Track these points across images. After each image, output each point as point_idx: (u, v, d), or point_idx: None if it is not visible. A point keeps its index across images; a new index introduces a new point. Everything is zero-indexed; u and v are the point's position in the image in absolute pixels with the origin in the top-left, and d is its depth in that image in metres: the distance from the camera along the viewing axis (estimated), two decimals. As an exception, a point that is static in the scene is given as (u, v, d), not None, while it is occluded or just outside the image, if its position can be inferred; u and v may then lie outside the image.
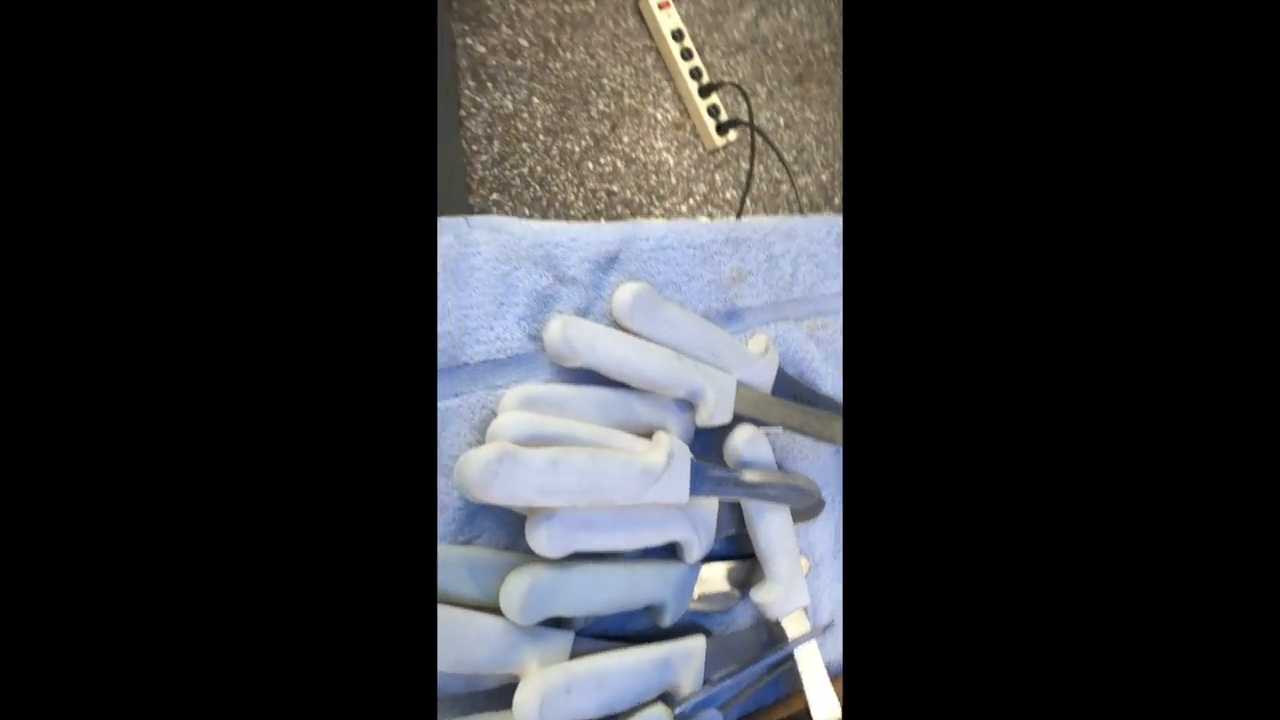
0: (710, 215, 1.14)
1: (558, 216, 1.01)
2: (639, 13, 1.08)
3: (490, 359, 0.36)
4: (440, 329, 0.34)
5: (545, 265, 0.37)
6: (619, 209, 1.06)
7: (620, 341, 0.36)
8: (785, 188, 1.22)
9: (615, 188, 1.05)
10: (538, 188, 0.99)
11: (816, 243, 0.47)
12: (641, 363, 0.36)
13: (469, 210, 0.93)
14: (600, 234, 0.39)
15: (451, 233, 0.35)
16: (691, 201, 1.12)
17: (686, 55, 1.08)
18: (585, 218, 1.03)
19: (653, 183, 1.09)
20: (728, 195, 1.16)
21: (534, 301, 0.37)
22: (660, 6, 1.06)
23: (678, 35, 1.08)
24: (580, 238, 0.38)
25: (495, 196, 0.96)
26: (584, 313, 0.38)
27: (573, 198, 1.02)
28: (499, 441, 0.31)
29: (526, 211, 0.98)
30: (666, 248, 0.41)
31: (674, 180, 1.11)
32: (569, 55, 1.02)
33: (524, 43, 0.99)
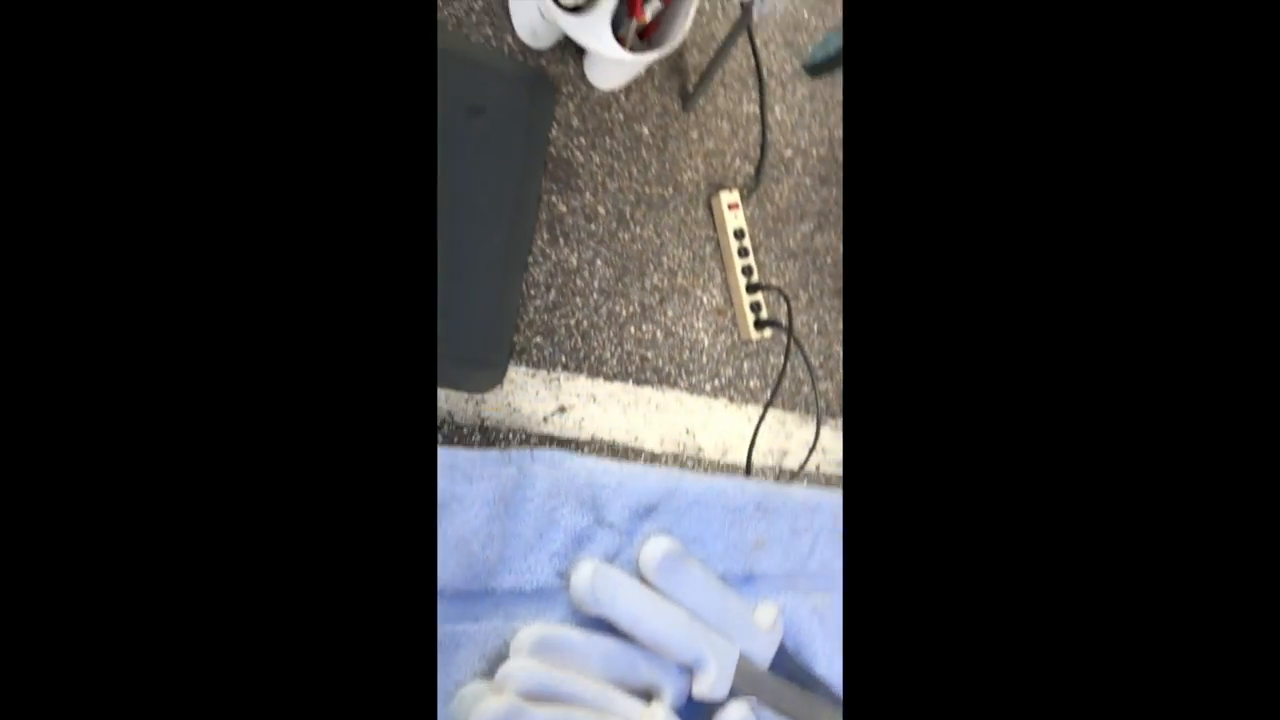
0: (731, 399, 1.18)
1: (591, 372, 1.05)
2: (709, 207, 1.17)
3: (516, 589, 0.37)
4: (482, 554, 0.36)
5: (590, 506, 0.39)
6: (649, 374, 1.10)
7: (640, 598, 0.38)
8: (806, 389, 1.27)
9: (650, 354, 1.10)
10: (579, 340, 1.04)
11: (838, 520, 0.49)
12: (655, 623, 0.38)
13: (510, 336, 0.97)
14: (646, 481, 0.42)
15: (516, 465, 0.37)
16: (716, 382, 1.17)
17: (743, 253, 1.16)
18: (615, 377, 1.07)
19: (685, 357, 1.14)
20: (751, 384, 1.20)
21: (570, 540, 0.39)
22: (730, 206, 1.16)
23: (739, 234, 1.16)
24: (626, 483, 0.41)
25: (538, 340, 1.01)
26: (613, 556, 0.40)
27: (609, 355, 1.07)
28: (508, 696, 0.31)
29: (563, 359, 1.02)
30: (702, 505, 0.43)
31: (705, 360, 1.16)
32: (638, 230, 1.10)
33: (602, 210, 1.07)
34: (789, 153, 1.29)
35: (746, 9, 1.06)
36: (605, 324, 1.06)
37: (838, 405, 1.32)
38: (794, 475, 1.23)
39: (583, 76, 1.08)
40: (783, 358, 1.23)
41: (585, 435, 1.03)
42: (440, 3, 0.97)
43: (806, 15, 1.33)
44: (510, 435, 0.98)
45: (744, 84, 1.24)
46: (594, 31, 0.90)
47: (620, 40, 0.97)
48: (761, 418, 0.98)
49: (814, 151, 1.31)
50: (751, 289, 1.17)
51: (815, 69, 0.70)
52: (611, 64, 0.98)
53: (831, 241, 1.32)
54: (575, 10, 0.92)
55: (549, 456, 0.38)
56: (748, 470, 0.97)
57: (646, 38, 1.04)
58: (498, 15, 1.01)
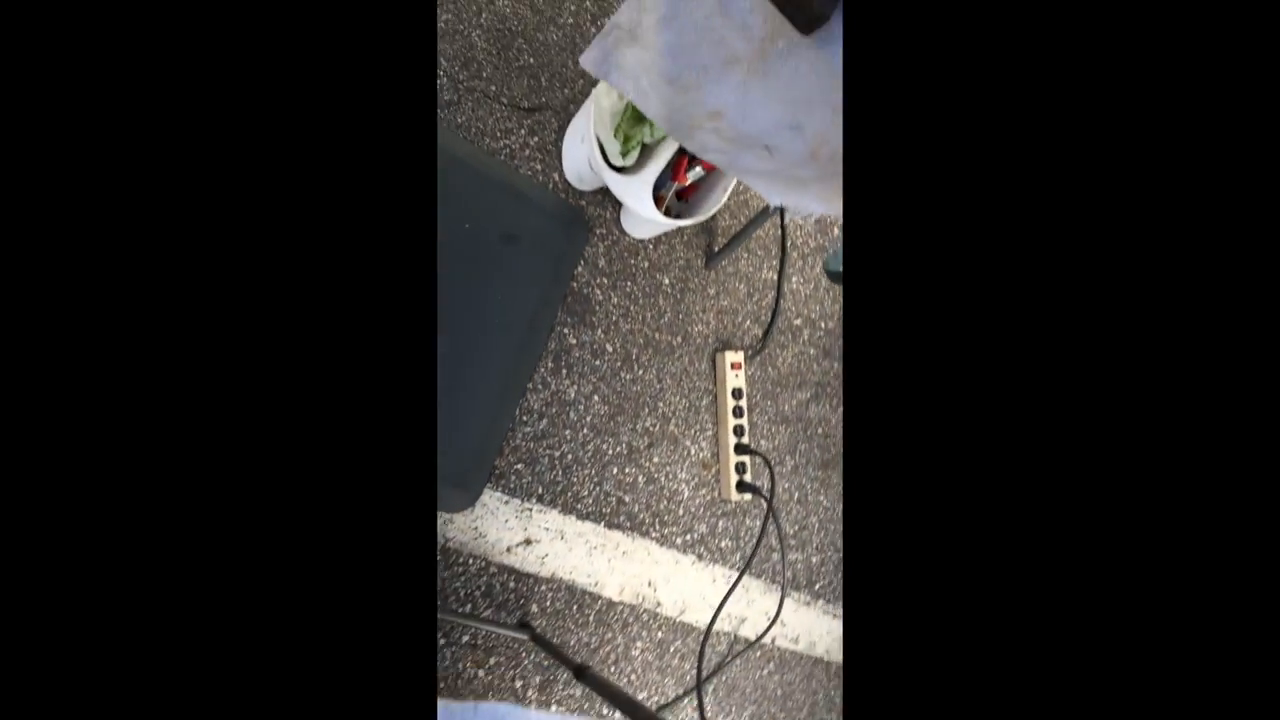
0: (700, 557, 1.16)
1: (565, 508, 1.03)
2: (713, 361, 1.20)
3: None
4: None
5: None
6: (622, 518, 1.08)
7: None
8: (776, 556, 1.25)
9: (628, 499, 1.09)
10: (560, 473, 1.03)
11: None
12: None
13: (493, 460, 0.96)
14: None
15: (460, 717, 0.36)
16: (689, 537, 1.15)
17: (737, 413, 1.18)
18: (588, 516, 1.05)
19: (662, 507, 1.13)
20: (723, 544, 1.19)
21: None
22: (733, 365, 1.18)
23: (737, 394, 1.18)
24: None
25: (520, 467, 1.00)
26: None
27: (586, 494, 1.05)
28: None
29: (540, 490, 1.01)
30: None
31: (681, 512, 1.14)
32: (641, 372, 1.12)
33: (610, 348, 1.09)
34: (798, 322, 1.33)
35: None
36: (590, 461, 1.06)
37: (805, 578, 1.30)
38: (750, 645, 1.20)
39: (618, 222, 1.13)
40: (759, 522, 1.22)
41: (546, 572, 1.01)
42: (498, 135, 1.03)
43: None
44: (470, 561, 0.95)
45: (767, 251, 1.30)
46: (636, 193, 0.95)
47: (660, 199, 1.03)
48: (732, 589, 0.97)
49: (822, 324, 1.35)
50: (740, 449, 1.17)
51: (835, 276, 0.75)
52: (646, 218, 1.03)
53: (825, 413, 1.34)
54: (622, 170, 0.97)
55: (493, 711, 0.36)
56: (707, 635, 0.94)
57: (685, 198, 1.10)
58: (549, 155, 1.07)
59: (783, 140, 0.61)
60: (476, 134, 1.02)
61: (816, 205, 0.70)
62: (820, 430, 1.33)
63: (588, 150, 0.96)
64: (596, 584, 1.05)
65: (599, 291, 1.10)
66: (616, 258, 1.12)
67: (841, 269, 1.31)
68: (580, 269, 1.08)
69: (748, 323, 1.26)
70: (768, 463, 1.10)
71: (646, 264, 1.15)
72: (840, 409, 1.36)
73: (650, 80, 0.62)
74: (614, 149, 0.94)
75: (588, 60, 0.56)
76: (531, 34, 1.07)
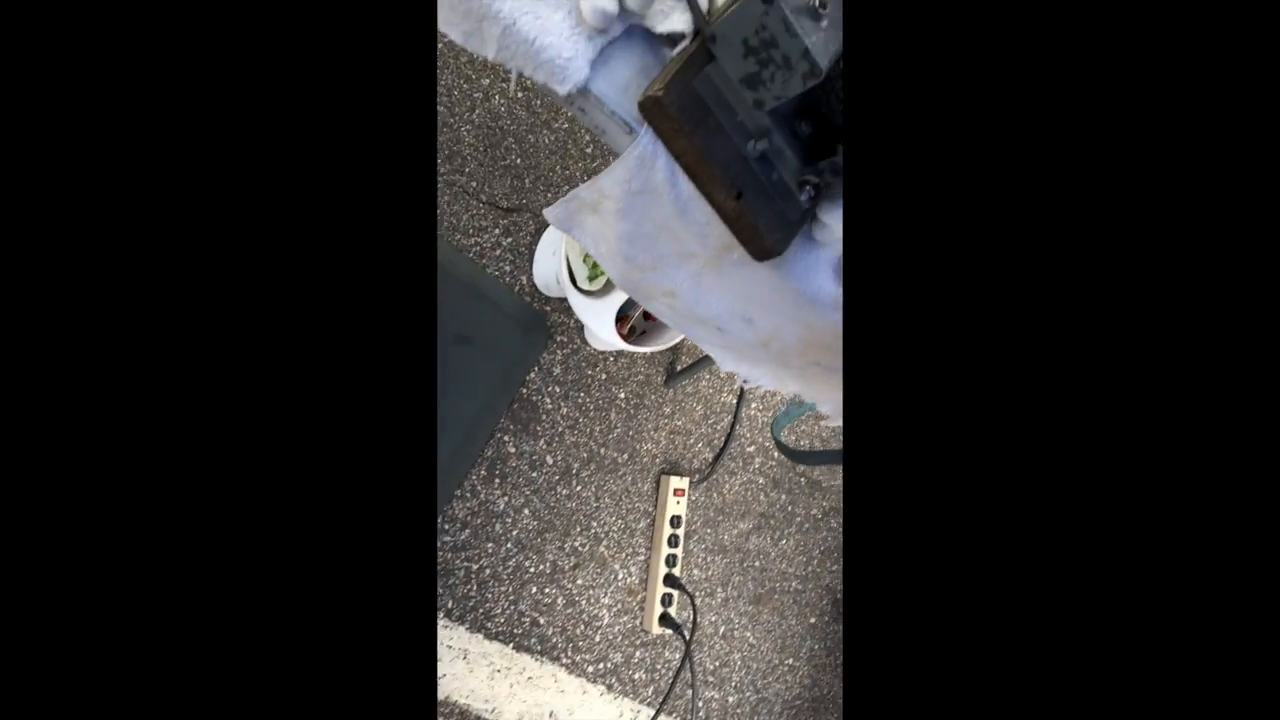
0: (610, 688, 1.11)
1: (474, 625, 0.98)
2: (657, 483, 1.17)
3: None
4: None
5: None
6: (533, 641, 1.03)
7: None
8: (689, 692, 1.20)
9: (543, 620, 1.04)
10: (475, 587, 0.98)
11: None
12: None
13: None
14: None
15: None
16: (602, 666, 1.10)
17: (673, 542, 1.14)
18: (496, 637, 1.00)
19: (578, 632, 1.07)
20: (636, 676, 1.13)
21: None
22: (676, 492, 1.15)
23: (675, 521, 1.15)
24: None
25: (432, 578, 0.95)
26: None
27: (499, 612, 1.00)
28: None
29: (450, 605, 0.96)
30: None
31: (598, 639, 1.09)
32: (579, 488, 1.08)
33: (550, 461, 1.06)
34: (751, 449, 1.30)
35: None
36: (509, 577, 1.01)
37: (718, 718, 1.25)
38: (648, 786, 1.13)
39: (580, 330, 1.10)
40: (679, 654, 1.17)
41: (440, 694, 0.95)
42: (470, 232, 1.01)
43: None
44: (358, 677, 0.89)
45: (730, 376, 1.28)
46: (598, 318, 0.93)
47: (625, 319, 1.01)
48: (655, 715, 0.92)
49: (775, 453, 1.33)
50: (669, 580, 1.13)
51: (783, 448, 0.72)
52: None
53: (765, 545, 1.31)
54: (588, 293, 0.95)
55: None
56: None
57: (652, 319, 1.08)
58: (521, 257, 1.05)
59: (734, 327, 0.60)
60: (448, 229, 0.99)
61: (767, 381, 0.68)
62: (758, 563, 1.29)
63: (557, 266, 0.94)
64: (493, 710, 0.99)
65: (549, 400, 1.07)
66: (573, 367, 1.09)
67: (786, 442, 1.29)
68: (533, 375, 1.05)
69: (699, 445, 1.23)
70: (692, 601, 1.06)
71: (604, 376, 1.12)
72: (780, 542, 1.33)
73: (608, 250, 0.60)
74: (582, 273, 0.93)
75: (552, 215, 0.55)
76: (523, 134, 1.06)
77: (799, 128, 0.39)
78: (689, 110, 0.36)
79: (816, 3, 0.27)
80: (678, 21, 0.37)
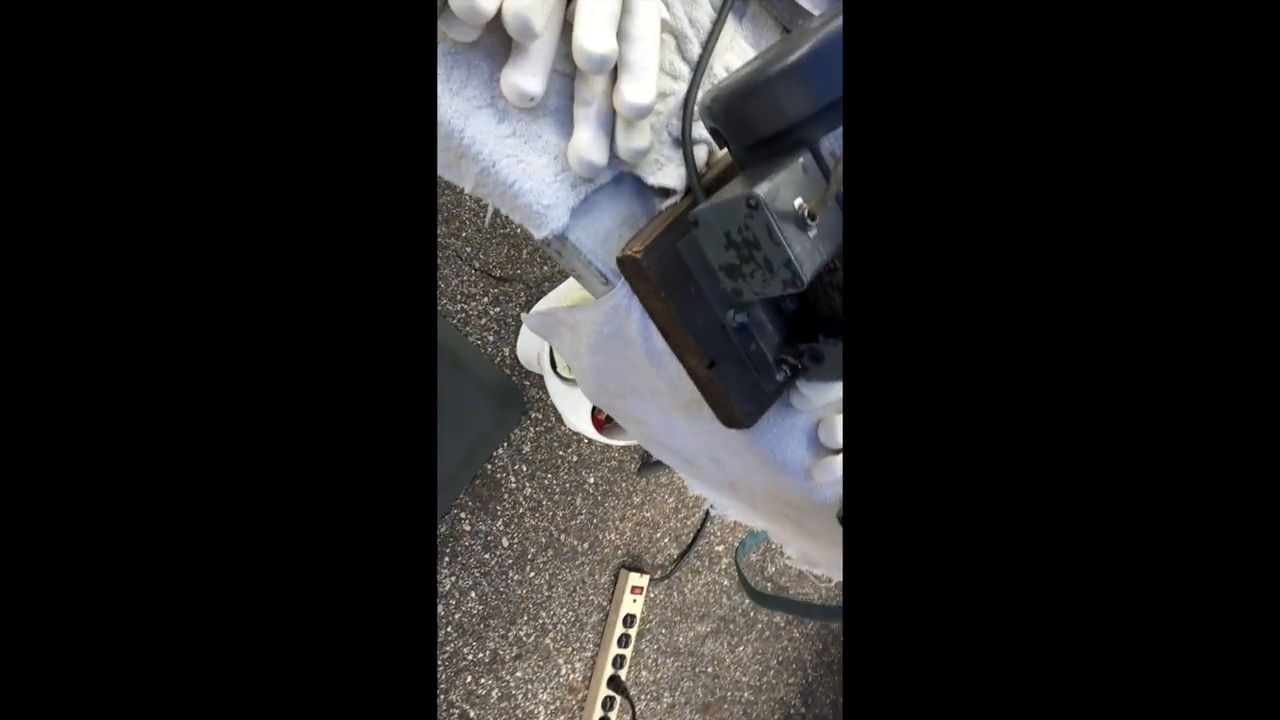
0: (535, 795, 1.03)
1: (396, 715, 0.91)
2: (615, 577, 1.12)
3: None
4: None
5: None
6: (460, 735, 0.96)
7: None
8: (622, 808, 1.12)
9: (473, 714, 0.97)
10: (405, 672, 0.92)
11: None
12: None
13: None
14: None
15: None
16: (529, 769, 1.02)
17: (623, 642, 1.08)
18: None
19: (510, 729, 1.01)
20: (566, 784, 1.06)
21: None
22: (633, 589, 1.10)
23: (629, 621, 1.09)
24: None
25: (360, 658, 0.89)
26: None
27: (427, 701, 0.94)
28: None
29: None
30: None
31: (530, 740, 1.02)
32: (532, 574, 1.03)
33: (506, 543, 1.01)
34: (720, 548, 1.26)
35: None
36: (444, 664, 0.95)
37: (649, 836, 1.16)
38: None
39: (556, 409, 1.07)
40: (613, 764, 1.10)
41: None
42: (459, 298, 0.99)
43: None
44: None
45: (706, 470, 1.24)
46: (574, 407, 0.90)
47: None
48: None
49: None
50: (613, 682, 1.07)
51: (743, 581, 0.68)
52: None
53: (721, 652, 1.24)
54: (567, 380, 0.92)
55: None
56: None
57: (631, 407, 1.05)
58: (508, 328, 1.03)
59: (702, 464, 0.58)
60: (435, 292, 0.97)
61: (734, 514, 0.65)
62: (710, 669, 1.23)
63: (540, 346, 0.92)
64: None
65: (513, 479, 1.02)
66: (544, 446, 1.05)
67: (755, 560, 1.25)
68: (501, 451, 1.01)
69: (666, 540, 1.18)
70: (633, 707, 0.99)
71: (575, 458, 1.08)
72: (737, 649, 1.27)
73: (580, 368, 0.58)
74: (564, 361, 0.90)
75: (530, 322, 0.53)
76: (527, 206, 1.05)
77: (784, 303, 0.36)
78: (668, 274, 0.34)
79: (805, 213, 0.25)
80: (671, 176, 0.35)
